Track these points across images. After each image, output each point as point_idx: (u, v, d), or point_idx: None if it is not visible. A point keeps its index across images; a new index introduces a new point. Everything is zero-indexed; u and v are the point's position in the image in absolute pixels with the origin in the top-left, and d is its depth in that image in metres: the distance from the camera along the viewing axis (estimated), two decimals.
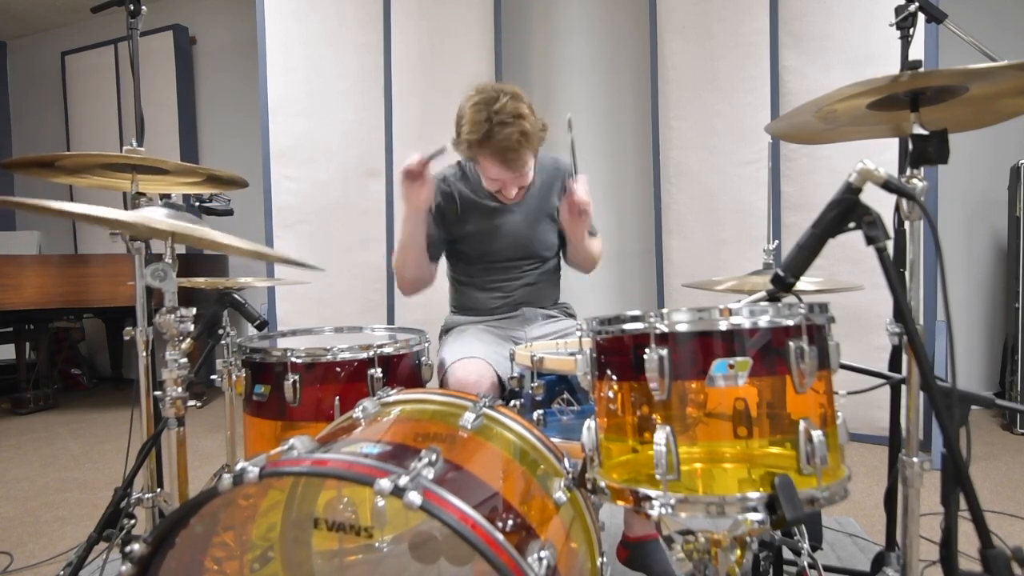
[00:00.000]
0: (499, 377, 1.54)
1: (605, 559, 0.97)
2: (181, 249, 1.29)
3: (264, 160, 3.20)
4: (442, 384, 1.61)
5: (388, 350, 1.45)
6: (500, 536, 0.70)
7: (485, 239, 1.77)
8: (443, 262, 1.92)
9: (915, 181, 0.96)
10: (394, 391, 1.16)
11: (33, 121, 5.56)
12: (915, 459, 1.01)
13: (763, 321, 0.79)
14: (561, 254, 1.90)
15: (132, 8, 1.56)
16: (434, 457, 0.78)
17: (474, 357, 1.55)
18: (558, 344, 1.54)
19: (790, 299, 0.90)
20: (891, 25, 1.28)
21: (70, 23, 5.28)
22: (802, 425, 0.76)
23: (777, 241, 1.56)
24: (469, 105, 1.58)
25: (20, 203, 0.94)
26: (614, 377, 0.86)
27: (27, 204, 0.92)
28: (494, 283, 1.83)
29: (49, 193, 5.30)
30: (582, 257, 1.82)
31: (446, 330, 1.85)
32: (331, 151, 3.28)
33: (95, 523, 1.47)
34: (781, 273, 0.90)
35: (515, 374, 1.37)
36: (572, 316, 1.92)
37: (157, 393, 1.23)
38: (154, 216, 1.14)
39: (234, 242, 1.13)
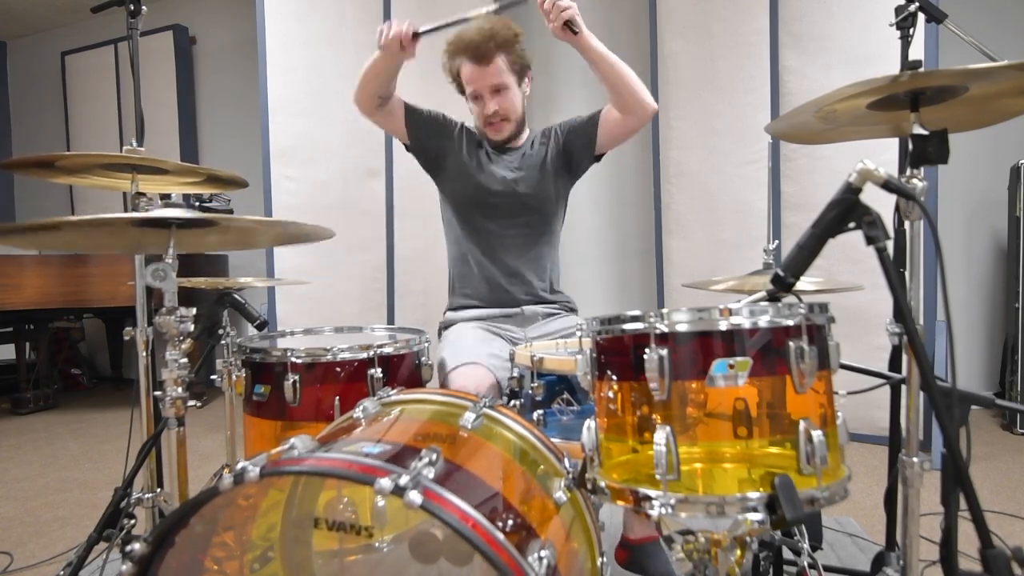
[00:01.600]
0: (498, 382, 1.54)
1: (605, 559, 0.97)
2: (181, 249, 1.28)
3: (264, 160, 3.20)
4: (443, 387, 1.61)
5: (388, 350, 1.45)
6: (500, 536, 0.70)
7: (475, 177, 1.79)
8: (442, 254, 1.92)
9: (915, 181, 0.96)
10: (394, 391, 1.16)
11: (33, 121, 5.56)
12: (915, 459, 1.01)
13: (763, 321, 0.79)
14: (607, 118, 1.85)
15: (132, 8, 1.56)
16: (434, 457, 0.78)
17: (474, 363, 1.55)
18: (558, 344, 1.54)
19: (790, 299, 0.90)
20: (891, 25, 1.28)
21: (70, 23, 5.28)
22: (802, 425, 0.76)
23: (777, 241, 1.56)
24: None
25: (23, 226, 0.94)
26: (614, 377, 0.86)
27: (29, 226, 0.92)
28: (487, 244, 1.81)
29: (49, 193, 5.31)
30: (615, 80, 1.76)
31: (445, 327, 1.84)
32: (331, 151, 3.28)
33: (95, 523, 1.47)
34: (781, 273, 0.90)
35: (515, 374, 1.37)
36: (573, 311, 1.90)
37: (157, 393, 1.24)
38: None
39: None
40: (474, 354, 1.58)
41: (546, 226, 1.85)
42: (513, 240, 1.81)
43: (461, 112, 1.89)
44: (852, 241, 0.87)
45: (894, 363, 1.36)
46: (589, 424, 0.88)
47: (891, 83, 0.90)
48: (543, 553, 0.73)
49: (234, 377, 1.49)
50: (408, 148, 1.87)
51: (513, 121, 1.77)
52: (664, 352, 0.78)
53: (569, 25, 1.61)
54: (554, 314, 1.85)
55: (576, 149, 1.83)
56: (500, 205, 1.79)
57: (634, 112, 1.78)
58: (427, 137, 1.83)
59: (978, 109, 1.02)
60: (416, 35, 1.57)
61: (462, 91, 1.80)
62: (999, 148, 3.24)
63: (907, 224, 1.01)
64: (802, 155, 2.87)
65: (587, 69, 1.77)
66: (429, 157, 1.85)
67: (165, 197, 1.72)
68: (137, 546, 0.79)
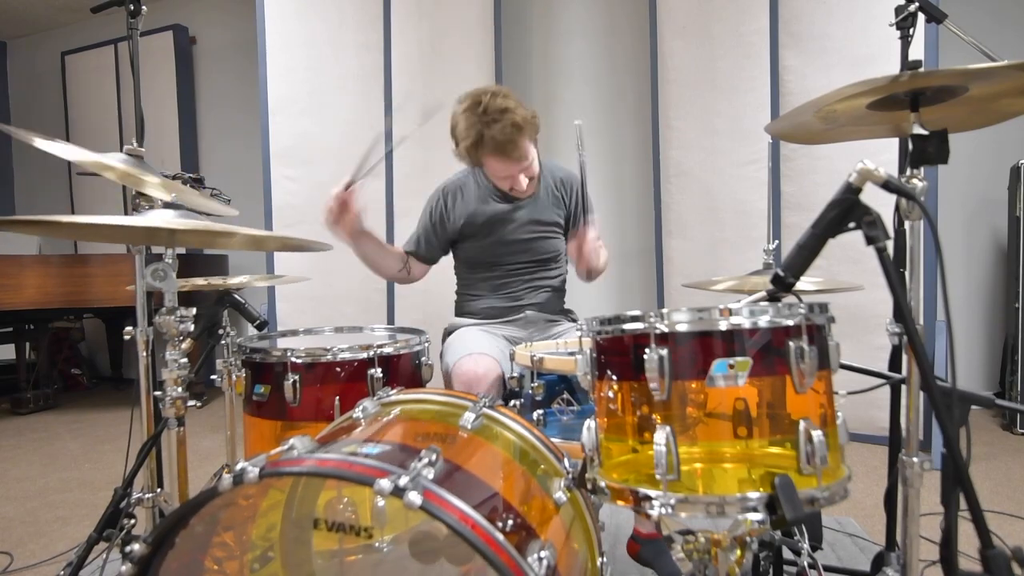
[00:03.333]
0: (503, 374, 1.55)
1: (605, 559, 0.97)
2: (181, 249, 1.29)
3: (264, 160, 3.20)
4: (447, 384, 1.62)
5: (388, 350, 1.45)
6: (500, 536, 0.70)
7: (488, 239, 1.80)
8: (449, 274, 1.94)
9: (915, 181, 0.95)
10: (394, 391, 1.16)
11: (33, 121, 5.55)
12: (915, 459, 1.01)
13: (763, 321, 0.79)
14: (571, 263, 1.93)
15: (132, 8, 1.55)
16: (434, 457, 0.78)
17: (481, 353, 1.56)
18: (558, 344, 1.54)
19: (790, 299, 0.90)
20: (891, 25, 1.28)
21: (70, 23, 5.28)
22: (802, 425, 0.76)
23: (777, 241, 1.56)
24: (459, 113, 1.65)
25: (24, 221, 0.94)
26: (614, 377, 0.86)
27: (31, 221, 0.93)
28: (498, 292, 1.84)
29: (48, 183, 5.31)
30: (586, 271, 1.83)
31: (449, 332, 1.86)
32: (331, 151, 3.28)
33: (95, 523, 1.47)
34: (781, 273, 0.90)
35: (515, 374, 1.37)
36: (574, 321, 1.92)
37: (157, 393, 1.24)
38: (161, 218, 1.14)
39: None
40: (480, 346, 1.60)
41: (554, 271, 1.88)
42: (521, 282, 1.84)
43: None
44: (852, 241, 0.87)
45: (894, 363, 1.36)
46: (589, 424, 0.88)
47: (891, 83, 0.90)
48: (543, 554, 0.73)
49: (234, 377, 1.49)
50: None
51: (536, 178, 1.78)
52: (664, 352, 0.78)
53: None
54: (555, 321, 1.87)
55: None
56: (507, 258, 1.82)
57: (579, 276, 1.86)
58: (439, 249, 1.89)
59: (978, 109, 1.02)
60: (349, 185, 1.67)
61: (475, 165, 1.76)
62: (999, 148, 3.24)
63: (907, 224, 1.01)
64: (802, 155, 2.87)
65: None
66: (453, 243, 1.90)
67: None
68: (137, 546, 0.79)
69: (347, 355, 1.41)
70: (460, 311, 1.92)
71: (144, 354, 1.50)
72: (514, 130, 1.60)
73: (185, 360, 1.20)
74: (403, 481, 0.70)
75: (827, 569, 1.56)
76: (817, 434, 0.75)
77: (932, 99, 0.96)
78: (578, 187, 1.86)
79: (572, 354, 1.21)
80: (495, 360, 1.55)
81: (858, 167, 0.86)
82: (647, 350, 0.79)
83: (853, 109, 1.01)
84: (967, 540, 0.87)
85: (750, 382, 0.77)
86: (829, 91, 0.93)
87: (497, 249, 1.80)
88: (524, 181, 1.71)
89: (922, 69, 1.01)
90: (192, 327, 1.19)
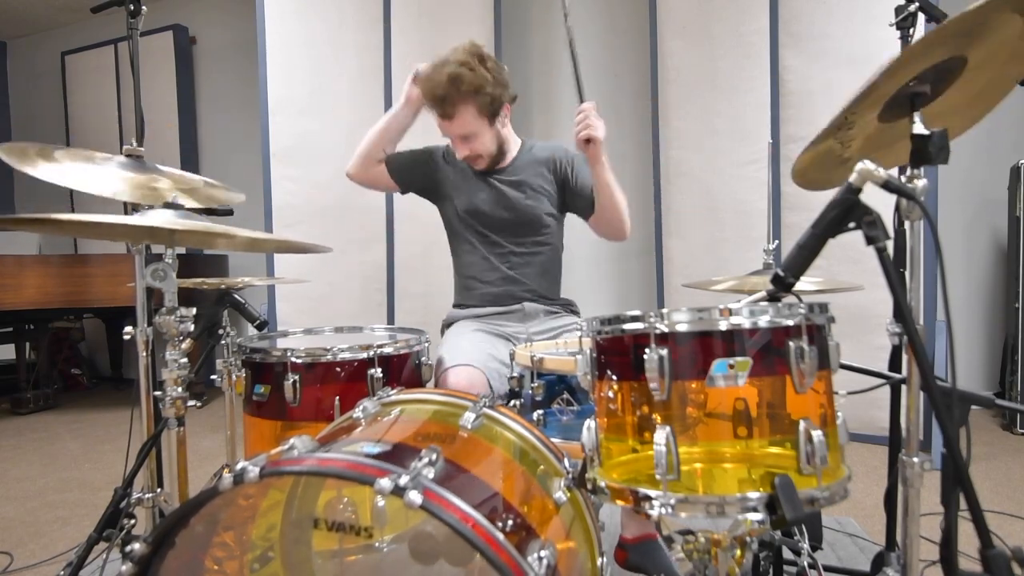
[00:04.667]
0: (491, 384, 1.55)
1: (605, 559, 0.97)
2: (181, 249, 1.29)
3: (264, 160, 3.20)
4: (437, 385, 1.62)
5: (388, 350, 1.45)
6: (500, 536, 0.70)
7: (472, 198, 1.81)
8: (450, 274, 1.94)
9: (915, 181, 0.95)
10: (394, 391, 1.16)
11: (33, 121, 5.56)
12: (915, 459, 1.01)
13: (763, 321, 0.79)
14: (590, 223, 1.84)
15: (132, 8, 1.55)
16: (434, 457, 0.78)
17: (467, 365, 1.56)
18: (558, 344, 1.54)
19: (790, 299, 0.90)
20: (891, 25, 1.28)
21: (70, 23, 5.28)
22: (802, 425, 0.76)
23: (777, 241, 1.56)
24: None
25: (25, 219, 0.94)
26: (614, 377, 0.86)
27: (31, 219, 0.93)
28: (488, 260, 1.82)
29: (49, 193, 5.31)
30: (608, 210, 1.72)
31: (447, 324, 1.86)
32: (331, 151, 3.28)
33: (95, 523, 1.47)
34: (781, 273, 0.90)
35: (515, 374, 1.37)
36: (575, 313, 1.91)
37: (157, 393, 1.24)
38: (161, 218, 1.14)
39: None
40: (470, 356, 1.59)
41: (543, 240, 1.86)
42: (512, 254, 1.83)
43: None
44: (852, 241, 0.87)
45: (894, 363, 1.36)
46: (589, 424, 0.88)
47: (887, 71, 0.86)
48: (543, 553, 0.73)
49: (234, 377, 1.49)
50: (403, 193, 1.92)
51: (487, 157, 1.76)
52: (664, 352, 0.78)
53: (588, 142, 1.60)
54: (555, 312, 1.86)
55: (571, 206, 1.87)
56: (494, 223, 1.81)
57: (606, 237, 1.85)
58: (413, 177, 1.88)
59: (985, 85, 0.96)
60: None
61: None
62: (998, 148, 3.24)
63: (907, 224, 1.00)
64: None
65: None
66: (425, 190, 1.90)
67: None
68: (137, 546, 0.79)
69: (347, 355, 1.41)
70: (459, 300, 1.90)
71: (144, 354, 1.50)
72: (449, 85, 1.58)
73: (185, 360, 1.20)
74: (403, 480, 0.70)
75: (827, 569, 1.56)
76: (817, 434, 0.75)
77: (935, 84, 0.92)
78: (568, 162, 1.83)
79: (572, 354, 1.21)
80: (479, 371, 1.55)
81: (858, 167, 0.86)
82: (647, 350, 0.79)
83: (865, 125, 0.99)
84: (967, 540, 0.87)
85: (750, 382, 0.77)
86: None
87: (477, 203, 1.80)
88: (464, 151, 1.69)
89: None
90: (192, 327, 1.19)
